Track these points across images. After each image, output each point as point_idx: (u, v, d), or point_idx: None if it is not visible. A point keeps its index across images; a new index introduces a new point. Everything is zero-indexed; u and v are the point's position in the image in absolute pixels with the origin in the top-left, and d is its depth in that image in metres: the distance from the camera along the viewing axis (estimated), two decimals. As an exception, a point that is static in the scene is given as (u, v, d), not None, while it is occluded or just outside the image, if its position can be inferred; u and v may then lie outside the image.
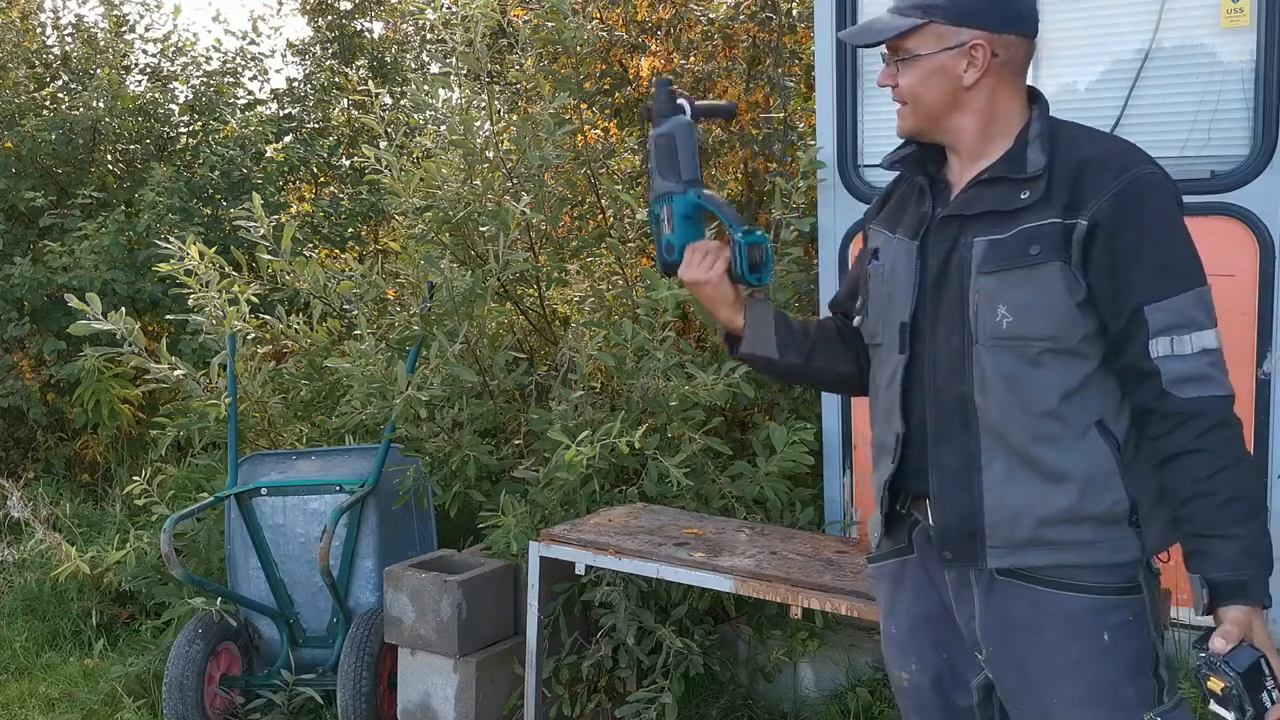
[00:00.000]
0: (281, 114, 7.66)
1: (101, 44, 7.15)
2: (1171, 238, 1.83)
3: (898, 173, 2.13)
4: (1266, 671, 1.73)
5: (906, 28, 1.91)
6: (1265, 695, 1.73)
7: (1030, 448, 1.87)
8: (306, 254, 6.11)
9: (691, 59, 5.08)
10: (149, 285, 6.04)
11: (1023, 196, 1.86)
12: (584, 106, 4.90)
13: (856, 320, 2.16)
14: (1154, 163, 1.86)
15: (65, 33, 7.36)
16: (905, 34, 1.91)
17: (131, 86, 7.11)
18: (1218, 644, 1.75)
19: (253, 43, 7.61)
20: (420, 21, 4.61)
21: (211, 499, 4.15)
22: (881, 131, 3.74)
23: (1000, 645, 1.95)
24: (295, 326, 4.55)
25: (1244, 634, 1.75)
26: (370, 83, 4.69)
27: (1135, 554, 1.87)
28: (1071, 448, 1.86)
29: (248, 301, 4.42)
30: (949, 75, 1.90)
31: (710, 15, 5.09)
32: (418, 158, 4.43)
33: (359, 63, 7.85)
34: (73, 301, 4.40)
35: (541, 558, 3.34)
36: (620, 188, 4.59)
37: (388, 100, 7.02)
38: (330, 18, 8.20)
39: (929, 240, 1.98)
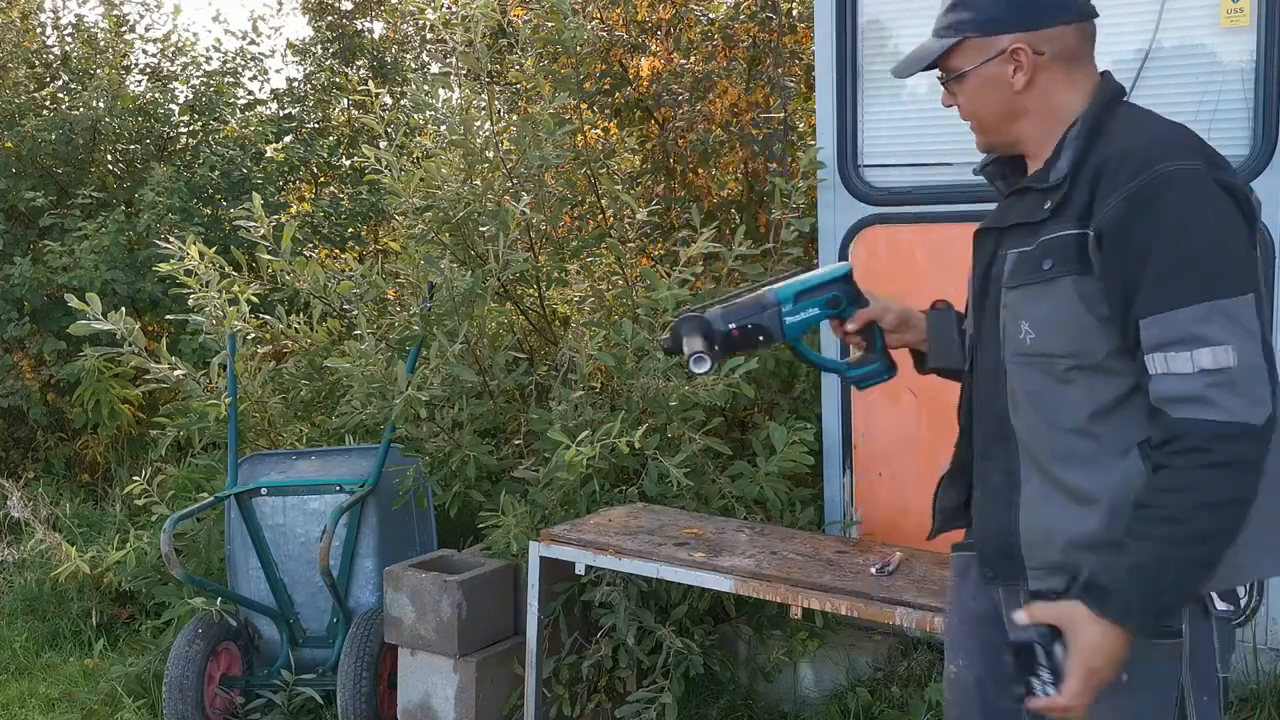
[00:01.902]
0: (281, 114, 7.67)
1: (101, 44, 7.16)
2: (1187, 241, 1.65)
3: None
4: (1042, 661, 1.69)
5: (944, 49, 1.90)
6: (1035, 679, 1.70)
7: (1054, 466, 1.80)
8: (306, 254, 6.11)
9: (691, 59, 5.08)
10: (149, 285, 6.04)
11: (1045, 207, 1.81)
12: (584, 106, 4.90)
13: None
14: (1192, 157, 1.69)
15: (65, 33, 7.37)
16: (948, 54, 1.90)
17: (131, 86, 7.12)
18: (1017, 614, 1.72)
19: (253, 43, 7.63)
20: (420, 21, 4.60)
21: (211, 499, 4.16)
22: (881, 131, 3.75)
23: None
24: (295, 326, 4.55)
25: (1057, 621, 1.69)
26: (370, 83, 4.70)
27: None
28: (1105, 468, 1.75)
29: (248, 301, 4.42)
30: (999, 84, 1.86)
31: (710, 15, 5.09)
32: (418, 158, 4.43)
33: (359, 63, 7.86)
34: (73, 301, 4.40)
35: (541, 558, 3.34)
36: (620, 188, 4.59)
37: (388, 100, 7.03)
38: (331, 18, 8.20)
39: (976, 252, 1.98)
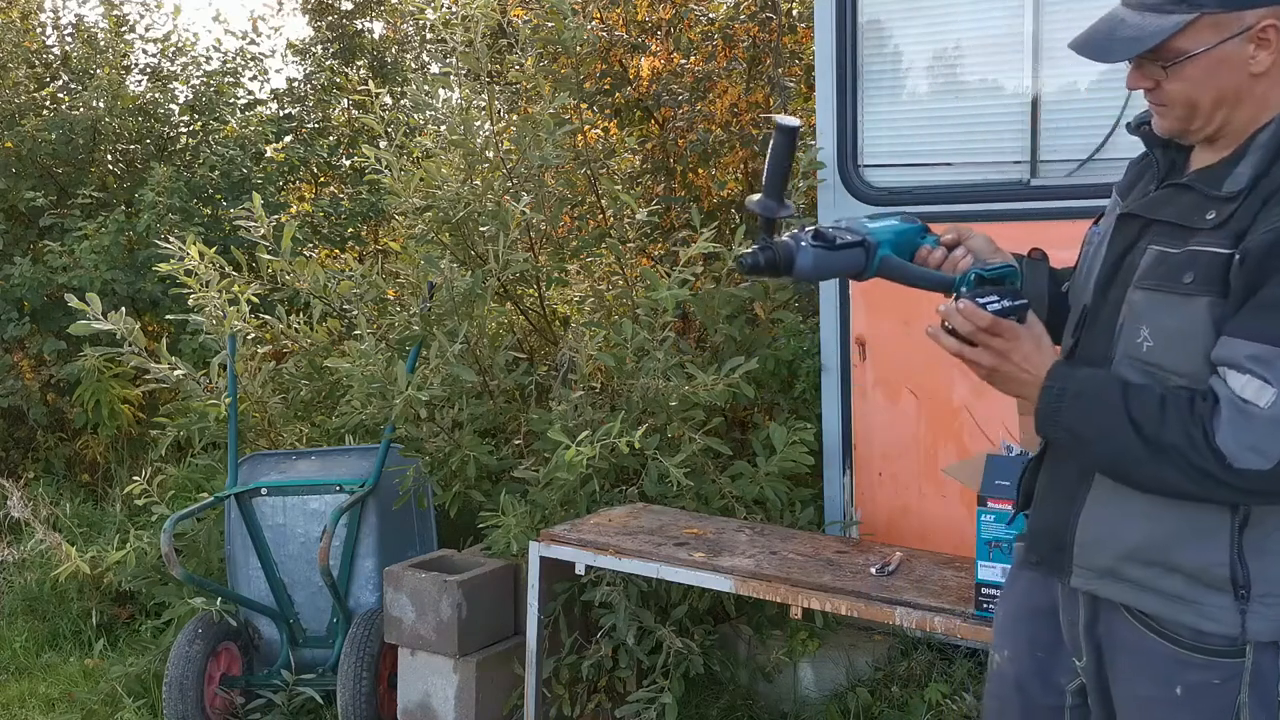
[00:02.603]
0: (281, 114, 7.67)
1: (101, 44, 7.15)
2: None
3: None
4: (1005, 304, 1.75)
5: (1173, 29, 1.64)
6: (992, 298, 1.75)
7: None
8: (306, 254, 6.11)
9: (691, 59, 5.08)
10: (149, 285, 6.05)
11: (1208, 217, 1.65)
12: (584, 106, 4.90)
13: (1065, 285, 1.97)
14: None
15: (65, 33, 7.37)
16: (1170, 37, 1.65)
17: (131, 86, 7.12)
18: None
19: (253, 43, 7.63)
20: (420, 21, 4.60)
21: (211, 499, 4.16)
22: (881, 131, 3.75)
23: (1094, 660, 1.86)
24: (295, 326, 4.55)
25: (1026, 324, 1.74)
26: (370, 83, 4.69)
27: (1231, 629, 1.67)
28: None
29: (248, 301, 4.42)
30: (1234, 66, 1.65)
31: (710, 15, 5.09)
32: (418, 158, 4.43)
33: (359, 63, 7.85)
34: (73, 301, 4.41)
35: (541, 558, 3.34)
36: (620, 188, 4.60)
37: (388, 100, 7.03)
38: (331, 18, 8.20)
39: (1115, 232, 1.82)
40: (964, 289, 1.83)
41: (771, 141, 1.82)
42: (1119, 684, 1.83)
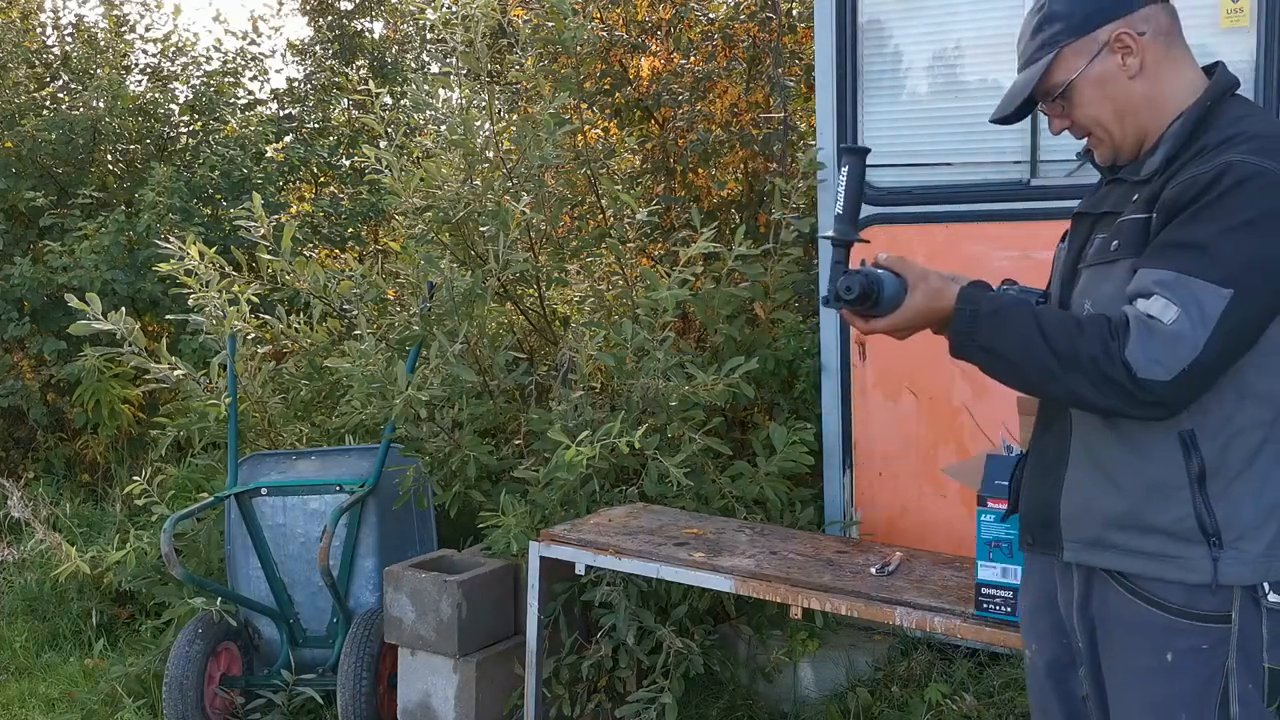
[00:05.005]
0: (281, 114, 7.67)
1: (101, 44, 7.16)
2: (1204, 223, 1.67)
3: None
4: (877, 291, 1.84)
5: (1041, 71, 1.86)
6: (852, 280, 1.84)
7: (1097, 445, 1.84)
8: (306, 254, 6.11)
9: (691, 59, 5.08)
10: (149, 285, 6.05)
11: (1134, 199, 1.82)
12: (584, 106, 4.90)
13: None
14: (1272, 160, 1.68)
15: (65, 33, 7.37)
16: (1047, 74, 1.86)
17: (132, 86, 7.12)
18: (880, 255, 1.89)
19: (253, 43, 7.63)
20: (420, 21, 4.61)
21: (211, 499, 4.16)
22: (881, 131, 3.75)
23: (1087, 637, 1.91)
24: (295, 326, 4.55)
25: (910, 275, 1.85)
26: (370, 83, 4.69)
27: (1206, 578, 1.73)
28: (1145, 452, 1.77)
29: (248, 301, 4.42)
30: (1112, 78, 1.84)
31: (710, 15, 5.09)
32: (418, 158, 4.43)
33: (359, 63, 7.85)
34: (73, 301, 4.41)
35: (541, 558, 3.34)
36: (620, 188, 4.60)
37: (388, 100, 7.03)
38: (331, 18, 8.21)
39: (1071, 233, 1.99)
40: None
41: (846, 168, 1.90)
42: (1111, 658, 1.88)
